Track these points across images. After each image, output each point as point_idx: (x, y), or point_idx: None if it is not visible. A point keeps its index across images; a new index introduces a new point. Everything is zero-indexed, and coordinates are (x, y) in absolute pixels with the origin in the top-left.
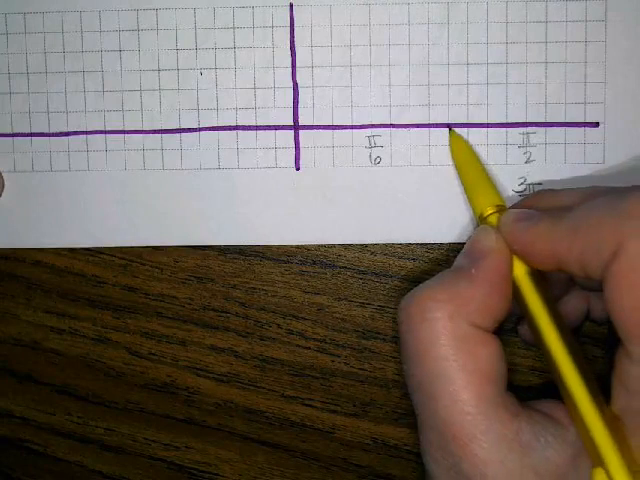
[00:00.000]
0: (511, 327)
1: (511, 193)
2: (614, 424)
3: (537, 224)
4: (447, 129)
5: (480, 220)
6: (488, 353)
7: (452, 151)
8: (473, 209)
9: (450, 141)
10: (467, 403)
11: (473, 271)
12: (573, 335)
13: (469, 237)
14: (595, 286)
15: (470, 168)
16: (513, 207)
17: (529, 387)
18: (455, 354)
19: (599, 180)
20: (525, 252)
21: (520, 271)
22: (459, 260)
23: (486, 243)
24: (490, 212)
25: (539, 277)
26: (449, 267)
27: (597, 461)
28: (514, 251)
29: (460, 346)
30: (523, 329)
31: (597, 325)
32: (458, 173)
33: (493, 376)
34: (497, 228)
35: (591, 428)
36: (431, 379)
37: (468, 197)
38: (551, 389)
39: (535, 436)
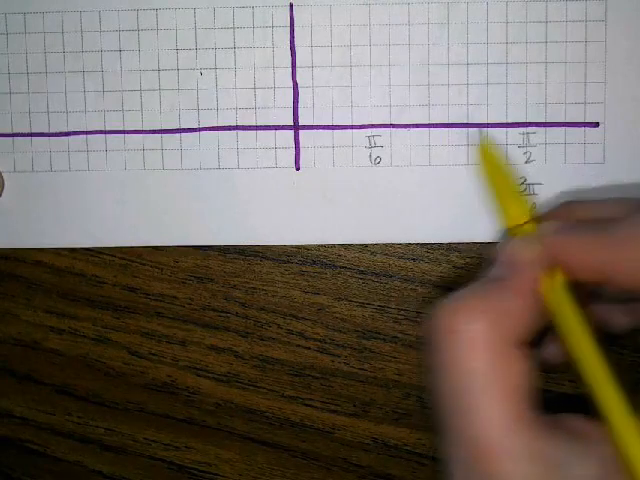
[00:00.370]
0: None
1: None
2: None
3: (583, 235)
4: (480, 133)
5: (512, 230)
6: (521, 369)
7: (481, 157)
8: (504, 219)
9: (480, 148)
10: (497, 420)
11: (511, 282)
12: (604, 350)
13: (500, 247)
14: (627, 299)
15: (501, 177)
16: (546, 219)
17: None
18: (488, 368)
19: (599, 180)
20: (567, 263)
21: (557, 284)
22: (495, 271)
23: (525, 254)
24: (524, 223)
25: (572, 290)
26: (449, 267)
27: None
28: (556, 263)
29: (494, 359)
30: (548, 352)
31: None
32: (487, 181)
33: (525, 393)
34: (533, 239)
35: (630, 446)
36: (460, 393)
37: (499, 206)
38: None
39: (567, 454)
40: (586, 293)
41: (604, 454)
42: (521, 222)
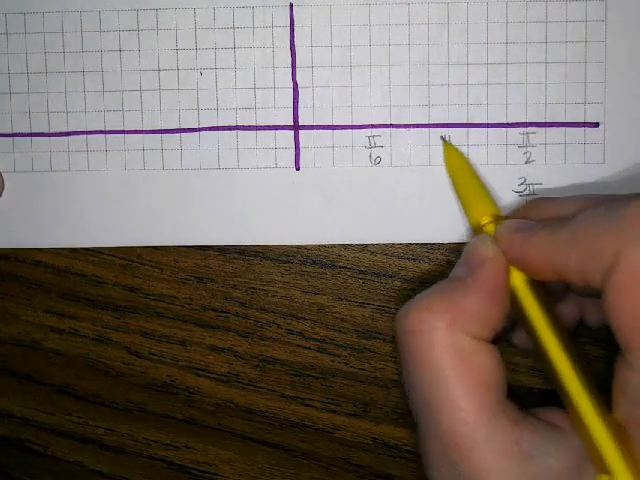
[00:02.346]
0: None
1: (511, 193)
2: (617, 431)
3: (535, 234)
4: (442, 138)
5: (476, 230)
6: (486, 362)
7: (446, 162)
8: (468, 219)
9: (444, 152)
10: (466, 412)
11: (470, 281)
12: (573, 342)
13: (465, 247)
14: (592, 293)
15: (464, 178)
16: (508, 217)
17: (529, 387)
18: (453, 364)
19: (599, 180)
20: (523, 262)
21: (518, 280)
22: (456, 270)
23: (483, 253)
24: (486, 222)
25: (536, 286)
26: (449, 267)
27: (602, 468)
28: (511, 262)
29: (458, 356)
30: (517, 336)
31: (592, 330)
32: (452, 183)
33: (492, 384)
34: (494, 238)
35: (595, 435)
36: (430, 389)
37: (463, 207)
38: (551, 391)
39: (536, 444)
40: (557, 287)
41: (577, 445)
42: (484, 222)
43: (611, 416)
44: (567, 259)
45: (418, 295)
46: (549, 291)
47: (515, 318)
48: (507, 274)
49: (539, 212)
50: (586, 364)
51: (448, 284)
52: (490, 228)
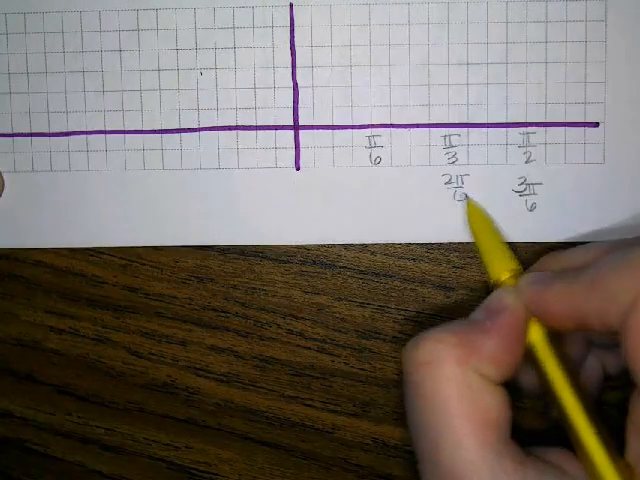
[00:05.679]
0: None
1: (511, 193)
2: (628, 476)
3: (555, 283)
4: (466, 195)
5: (496, 284)
6: (493, 402)
7: (469, 219)
8: (489, 274)
9: (467, 210)
10: (470, 451)
11: (488, 324)
12: (589, 397)
13: (487, 298)
14: (612, 340)
15: (486, 235)
16: (527, 271)
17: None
18: (459, 400)
19: (599, 180)
20: (544, 311)
21: (536, 335)
22: (474, 314)
23: (504, 300)
24: (507, 276)
25: (557, 342)
26: (449, 267)
27: None
28: (533, 311)
29: (465, 392)
30: (524, 380)
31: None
32: (474, 239)
33: (497, 425)
34: (515, 290)
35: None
36: (434, 425)
37: (484, 263)
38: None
39: None
40: (578, 339)
41: None
42: (505, 277)
43: (623, 461)
44: (587, 305)
45: (430, 329)
46: (571, 354)
47: (533, 371)
48: (526, 325)
49: (556, 265)
50: (599, 415)
51: (464, 323)
52: (511, 282)
